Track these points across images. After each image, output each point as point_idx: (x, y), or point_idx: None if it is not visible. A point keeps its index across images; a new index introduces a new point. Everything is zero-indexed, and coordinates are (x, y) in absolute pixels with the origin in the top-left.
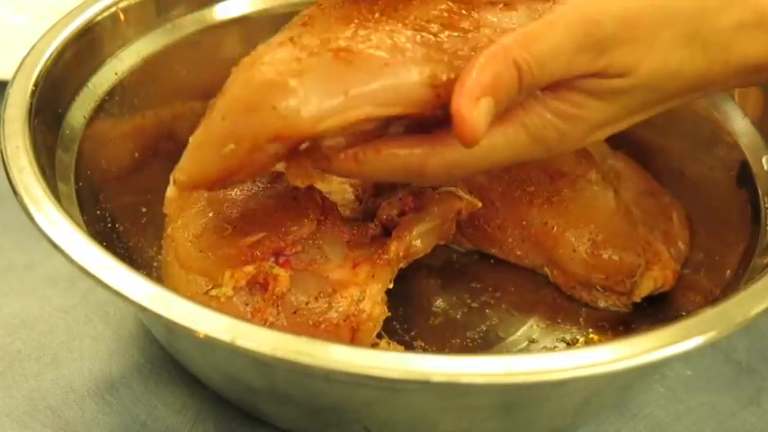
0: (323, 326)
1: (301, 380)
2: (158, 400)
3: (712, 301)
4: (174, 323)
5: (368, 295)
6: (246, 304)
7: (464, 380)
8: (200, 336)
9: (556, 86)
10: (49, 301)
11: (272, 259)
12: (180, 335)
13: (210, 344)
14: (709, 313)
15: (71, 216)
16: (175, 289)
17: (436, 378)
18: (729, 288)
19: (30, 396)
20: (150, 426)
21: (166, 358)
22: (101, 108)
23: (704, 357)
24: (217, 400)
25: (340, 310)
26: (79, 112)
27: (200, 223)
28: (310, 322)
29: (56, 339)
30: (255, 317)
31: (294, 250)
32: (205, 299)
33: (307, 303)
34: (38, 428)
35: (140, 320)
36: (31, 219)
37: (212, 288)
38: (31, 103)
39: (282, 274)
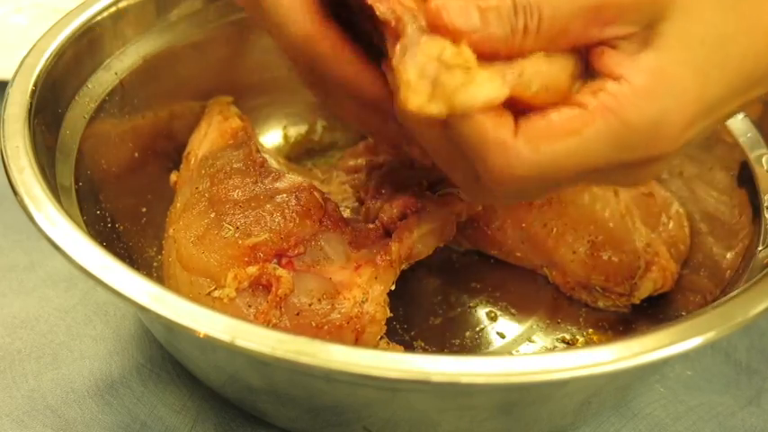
0: (326, 327)
1: (301, 380)
2: (158, 400)
3: (712, 301)
4: (174, 323)
5: (371, 297)
6: (249, 306)
7: (464, 380)
8: (201, 335)
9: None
10: (49, 301)
11: (275, 260)
12: (180, 335)
13: (210, 344)
14: (710, 313)
15: (71, 216)
16: (177, 290)
17: (436, 378)
18: (729, 288)
19: (30, 396)
20: (150, 426)
21: (166, 358)
22: (101, 108)
23: (704, 357)
24: (217, 400)
25: (343, 311)
26: (79, 112)
27: (201, 224)
28: (313, 324)
29: (56, 339)
30: (258, 318)
31: (296, 251)
32: (208, 300)
33: (310, 305)
34: (38, 428)
35: (140, 320)
36: (31, 219)
37: (215, 289)
38: (31, 103)
39: (285, 275)
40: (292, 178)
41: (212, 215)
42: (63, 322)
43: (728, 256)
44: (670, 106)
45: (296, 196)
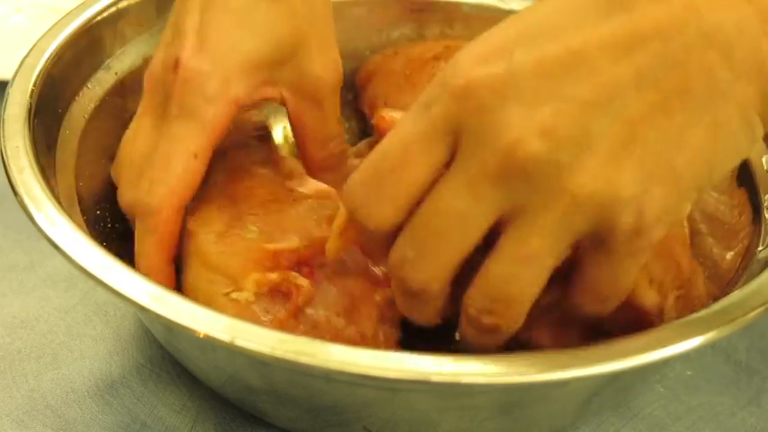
0: (340, 342)
1: (301, 380)
2: (158, 400)
3: (712, 301)
4: (174, 323)
5: (388, 316)
6: (267, 311)
7: (464, 380)
8: (201, 336)
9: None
10: (49, 301)
11: (297, 268)
12: (180, 335)
13: (210, 344)
14: (710, 313)
15: (71, 216)
16: (194, 284)
17: (436, 378)
18: (729, 288)
19: (30, 396)
20: (150, 426)
21: (166, 358)
22: (101, 108)
23: (704, 357)
24: (217, 400)
25: (359, 329)
26: (79, 112)
27: (222, 221)
28: (328, 338)
29: (56, 339)
30: (274, 326)
31: (318, 261)
32: (225, 300)
33: (327, 318)
34: (38, 428)
35: (140, 320)
36: (31, 219)
37: (234, 291)
38: (31, 103)
39: (306, 284)
40: (316, 184)
41: (233, 212)
42: (63, 322)
43: (728, 256)
44: None
45: (321, 203)
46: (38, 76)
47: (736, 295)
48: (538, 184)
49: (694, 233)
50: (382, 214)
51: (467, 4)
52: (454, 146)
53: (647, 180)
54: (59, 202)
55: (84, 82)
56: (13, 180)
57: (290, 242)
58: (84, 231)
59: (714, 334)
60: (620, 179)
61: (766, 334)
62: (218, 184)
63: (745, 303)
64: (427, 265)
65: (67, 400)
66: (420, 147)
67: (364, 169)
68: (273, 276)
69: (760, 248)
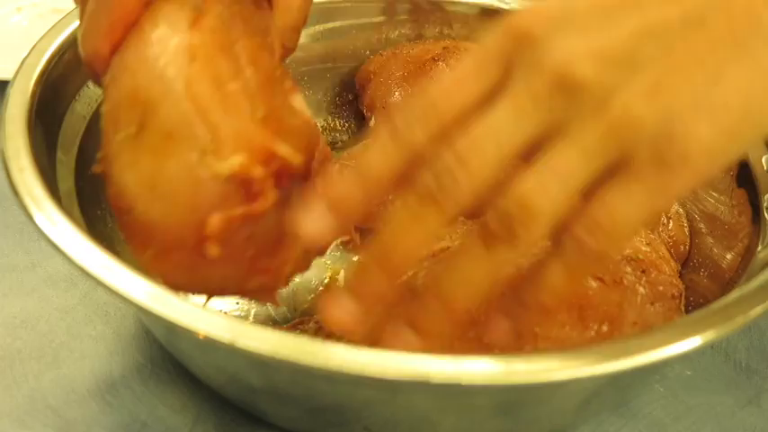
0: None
1: (301, 380)
2: (158, 399)
3: (712, 300)
4: (174, 323)
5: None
6: (224, 199)
7: (464, 380)
8: (201, 336)
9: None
10: (50, 302)
11: (275, 179)
12: (180, 335)
13: (211, 344)
14: (709, 313)
15: (71, 216)
16: (153, 100)
17: (436, 378)
18: (729, 288)
19: (30, 396)
20: (150, 425)
21: (166, 358)
22: (101, 108)
23: (704, 357)
24: (217, 400)
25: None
26: (79, 112)
27: (225, 66)
28: (237, 265)
29: (56, 339)
30: (215, 214)
31: (287, 183)
32: (194, 154)
33: (254, 244)
34: (38, 428)
35: (140, 320)
36: (31, 219)
37: (211, 155)
38: (31, 103)
39: (272, 199)
40: (303, 106)
41: (237, 67)
42: (63, 322)
43: (728, 256)
44: None
45: (314, 132)
46: (38, 76)
47: (736, 295)
48: (582, 104)
49: (694, 233)
50: (422, 124)
51: (466, 4)
52: (505, 76)
53: (686, 109)
54: (59, 202)
55: (84, 82)
56: (13, 180)
57: (293, 157)
58: (84, 231)
59: (714, 334)
60: (662, 105)
61: (766, 334)
62: (221, 11)
63: (745, 303)
64: (464, 172)
65: (68, 400)
66: (471, 73)
67: (417, 91)
68: (258, 171)
69: (760, 248)
